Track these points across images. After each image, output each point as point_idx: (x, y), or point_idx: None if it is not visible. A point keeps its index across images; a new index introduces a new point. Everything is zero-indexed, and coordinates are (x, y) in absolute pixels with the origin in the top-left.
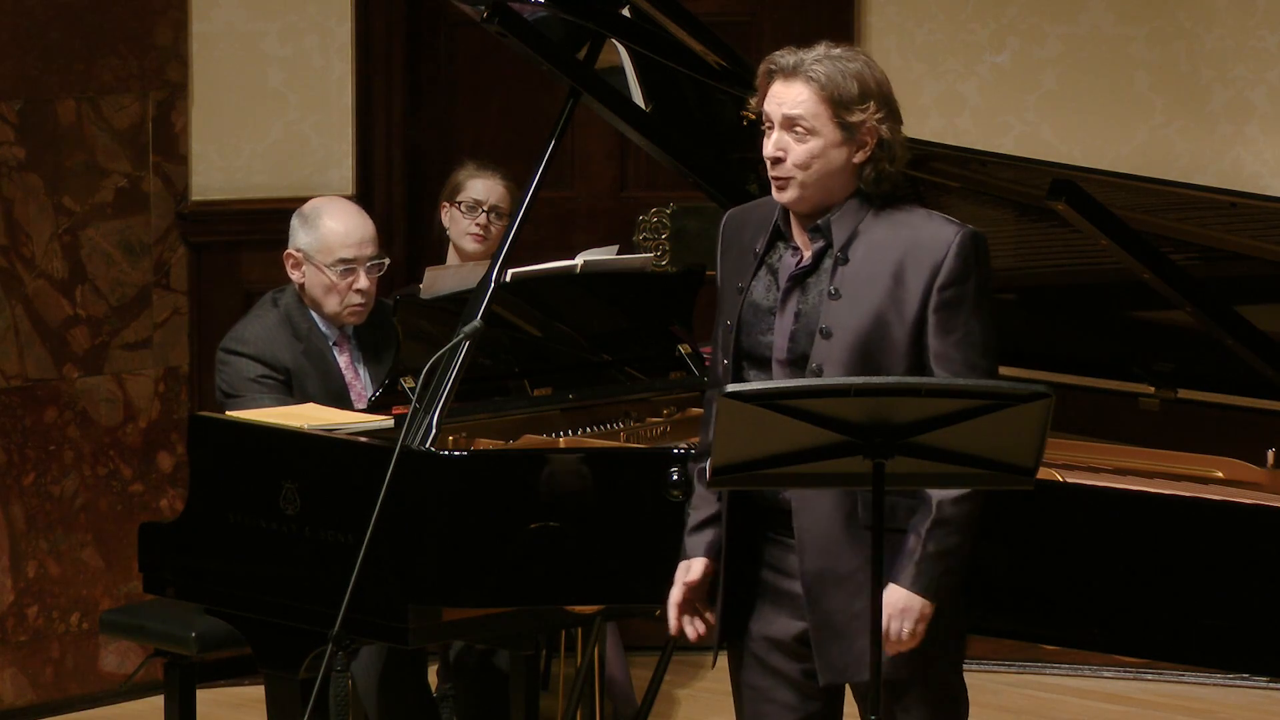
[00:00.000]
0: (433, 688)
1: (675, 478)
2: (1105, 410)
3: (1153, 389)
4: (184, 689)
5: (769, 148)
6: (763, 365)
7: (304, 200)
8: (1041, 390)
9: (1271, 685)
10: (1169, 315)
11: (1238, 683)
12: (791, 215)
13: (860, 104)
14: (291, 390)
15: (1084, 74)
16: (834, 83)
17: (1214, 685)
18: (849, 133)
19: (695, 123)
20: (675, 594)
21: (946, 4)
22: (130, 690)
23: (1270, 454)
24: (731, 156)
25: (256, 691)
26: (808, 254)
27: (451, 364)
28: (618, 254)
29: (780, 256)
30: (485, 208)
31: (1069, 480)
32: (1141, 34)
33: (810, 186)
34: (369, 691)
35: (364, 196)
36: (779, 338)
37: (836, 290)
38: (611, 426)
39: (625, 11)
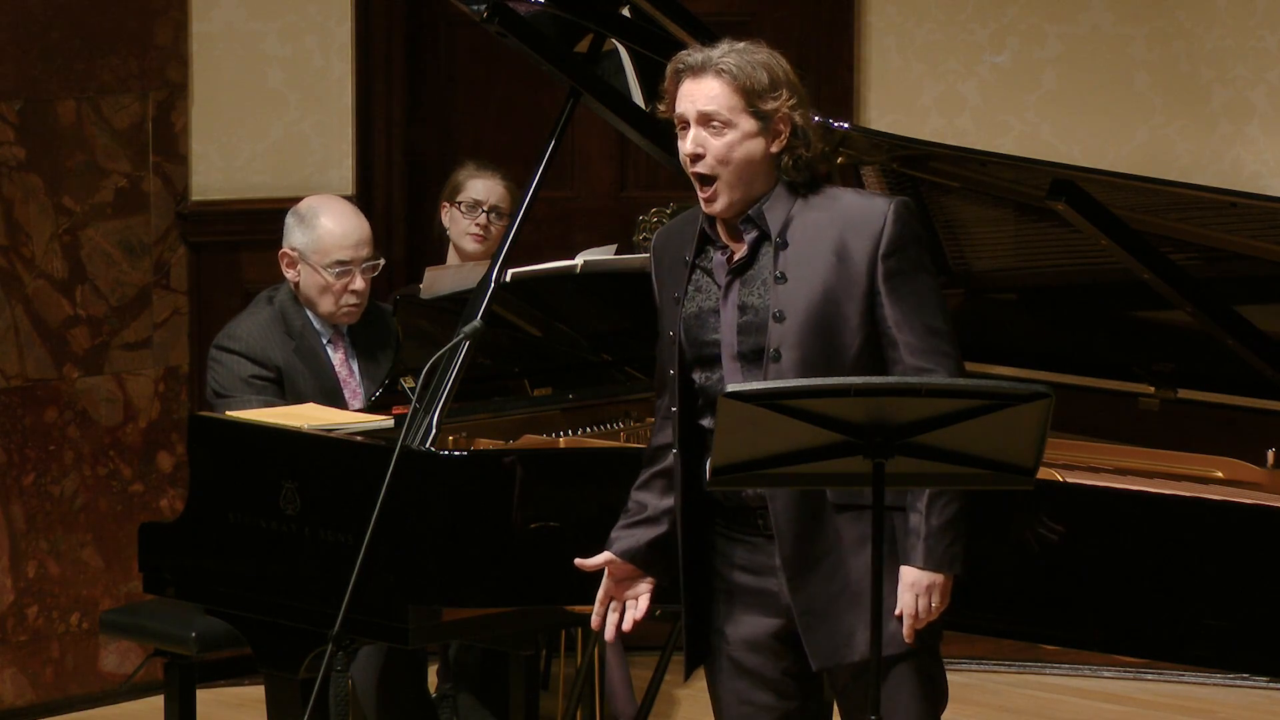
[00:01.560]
0: (433, 688)
1: None
2: (1105, 410)
3: (1153, 389)
4: (184, 689)
5: (687, 145)
6: (711, 365)
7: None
8: (1041, 390)
9: (1271, 685)
10: (1169, 315)
11: (1238, 683)
12: (717, 220)
13: (773, 92)
14: (283, 388)
15: (1084, 74)
16: (745, 73)
17: (1214, 685)
18: (764, 122)
19: None
20: (601, 590)
21: (946, 4)
22: (130, 690)
23: (1270, 454)
24: None
25: (256, 691)
26: (743, 248)
27: (451, 364)
28: (618, 254)
29: (711, 258)
30: (485, 208)
31: (1069, 480)
32: (1141, 34)
33: (735, 186)
34: (368, 691)
35: (364, 196)
36: (726, 333)
37: (782, 274)
38: (611, 426)
39: (625, 11)
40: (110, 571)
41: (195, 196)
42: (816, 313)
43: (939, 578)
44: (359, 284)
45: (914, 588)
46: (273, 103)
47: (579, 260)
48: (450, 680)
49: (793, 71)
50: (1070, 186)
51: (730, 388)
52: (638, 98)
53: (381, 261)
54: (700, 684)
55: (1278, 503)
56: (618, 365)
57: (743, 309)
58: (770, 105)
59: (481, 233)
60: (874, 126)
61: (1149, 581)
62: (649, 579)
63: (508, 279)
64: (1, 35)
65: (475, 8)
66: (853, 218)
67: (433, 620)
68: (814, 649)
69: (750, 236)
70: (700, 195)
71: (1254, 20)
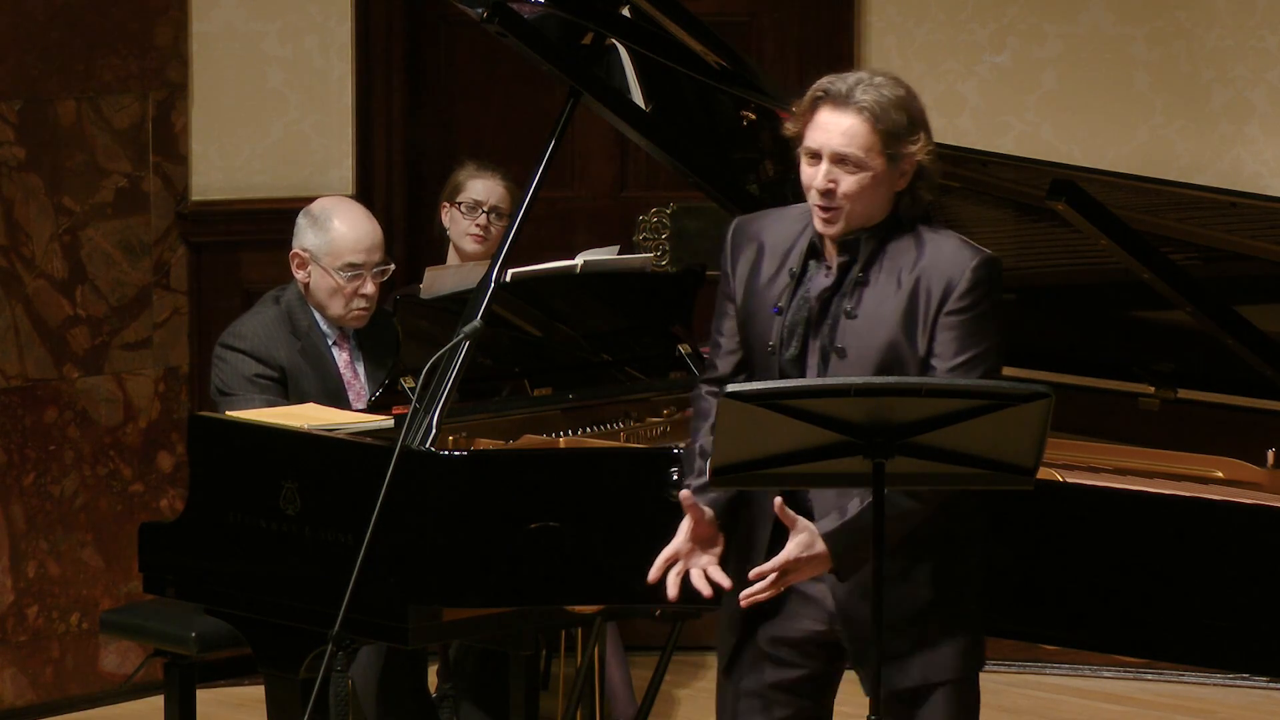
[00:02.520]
0: (433, 688)
1: (675, 478)
2: (1105, 410)
3: (1153, 389)
4: (184, 689)
5: (819, 180)
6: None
7: (304, 200)
8: (1041, 390)
9: (1271, 685)
10: (1169, 315)
11: (1238, 683)
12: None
13: (910, 136)
14: (287, 389)
15: (1084, 74)
16: (886, 115)
17: (1214, 685)
18: (895, 164)
19: (695, 123)
20: (670, 547)
21: (946, 4)
22: (130, 690)
23: (1270, 454)
24: (732, 156)
25: (256, 691)
26: (833, 273)
27: (451, 364)
28: (618, 254)
29: (813, 276)
30: (485, 208)
31: (1069, 480)
32: (1141, 34)
33: (855, 217)
34: (368, 691)
35: (364, 196)
36: (811, 355)
37: (853, 310)
38: (611, 426)
39: (625, 11)
40: (110, 571)
41: (195, 196)
42: (878, 355)
43: (826, 563)
44: (369, 288)
45: (808, 551)
46: (273, 103)
47: (579, 260)
48: (450, 680)
49: (925, 109)
50: (1070, 186)
51: (730, 388)
52: (638, 98)
53: (392, 266)
54: (700, 684)
55: (1278, 503)
56: (618, 365)
57: (822, 335)
58: (906, 149)
59: (481, 233)
60: None
61: (1149, 581)
62: (715, 549)
63: (508, 279)
64: (1, 35)
65: (475, 9)
66: (935, 264)
67: (433, 620)
68: (865, 673)
69: (841, 260)
70: (820, 215)
71: (1254, 20)
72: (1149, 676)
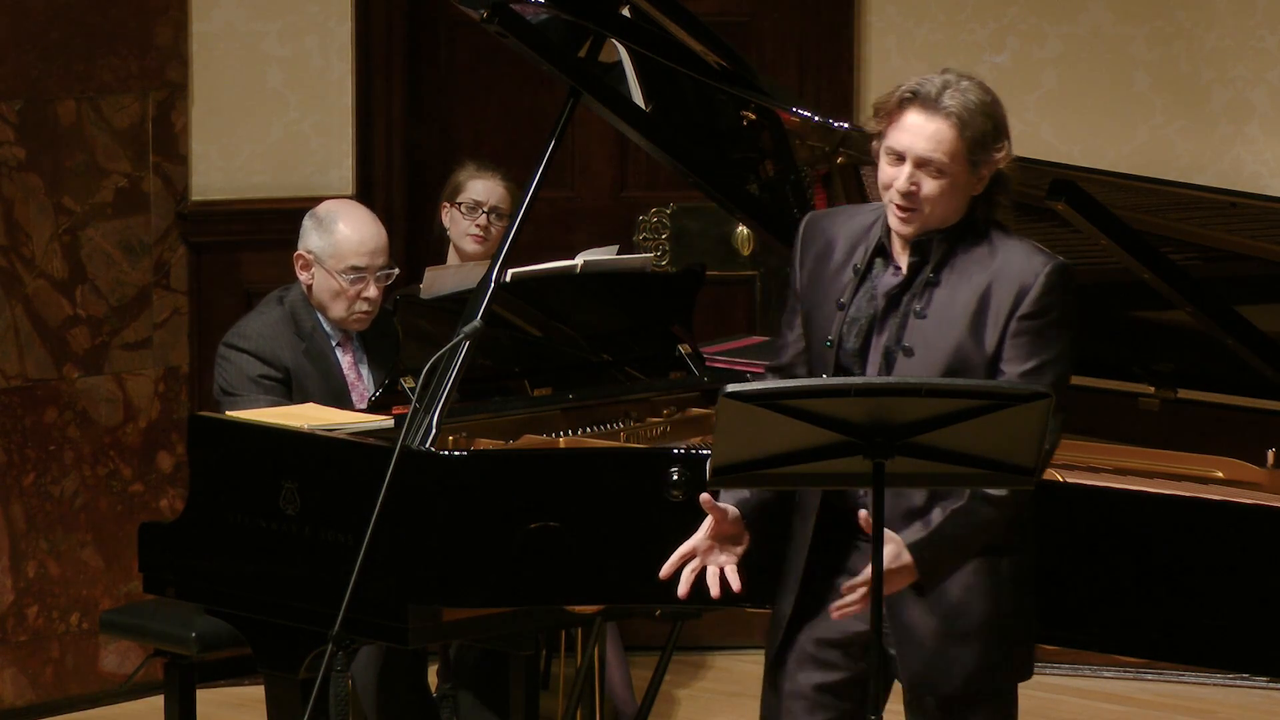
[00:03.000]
0: (433, 688)
1: (675, 478)
2: (1105, 410)
3: (1153, 389)
4: (184, 689)
5: (902, 181)
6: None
7: (304, 200)
8: (1041, 390)
9: (1271, 685)
10: (1169, 315)
11: (1238, 683)
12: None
13: (995, 144)
14: (291, 389)
15: (1084, 74)
16: (974, 123)
17: (1214, 685)
18: (975, 170)
19: (695, 123)
20: (688, 543)
21: (946, 4)
22: (130, 690)
23: (1270, 454)
24: (732, 156)
25: (256, 691)
26: (903, 272)
27: (451, 364)
28: (618, 254)
29: (879, 274)
30: (485, 209)
31: (1069, 480)
32: (1141, 34)
33: (932, 220)
34: (368, 691)
35: (364, 196)
36: (873, 353)
37: (922, 310)
38: (611, 426)
39: (625, 11)
40: (110, 571)
41: (195, 196)
42: (945, 356)
43: (913, 574)
44: (372, 291)
45: (895, 562)
46: (273, 103)
47: (579, 260)
48: (450, 680)
49: (1005, 113)
50: (1070, 186)
51: (730, 388)
52: (638, 98)
53: (396, 270)
54: (700, 684)
55: (1278, 503)
56: (618, 365)
57: (889, 334)
58: (988, 157)
59: (481, 234)
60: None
61: (1149, 581)
62: (737, 548)
63: (508, 279)
64: (1, 35)
65: (476, 9)
66: (1008, 268)
67: (433, 620)
68: (909, 676)
69: (912, 261)
70: (897, 214)
71: (1254, 20)
72: (1149, 676)
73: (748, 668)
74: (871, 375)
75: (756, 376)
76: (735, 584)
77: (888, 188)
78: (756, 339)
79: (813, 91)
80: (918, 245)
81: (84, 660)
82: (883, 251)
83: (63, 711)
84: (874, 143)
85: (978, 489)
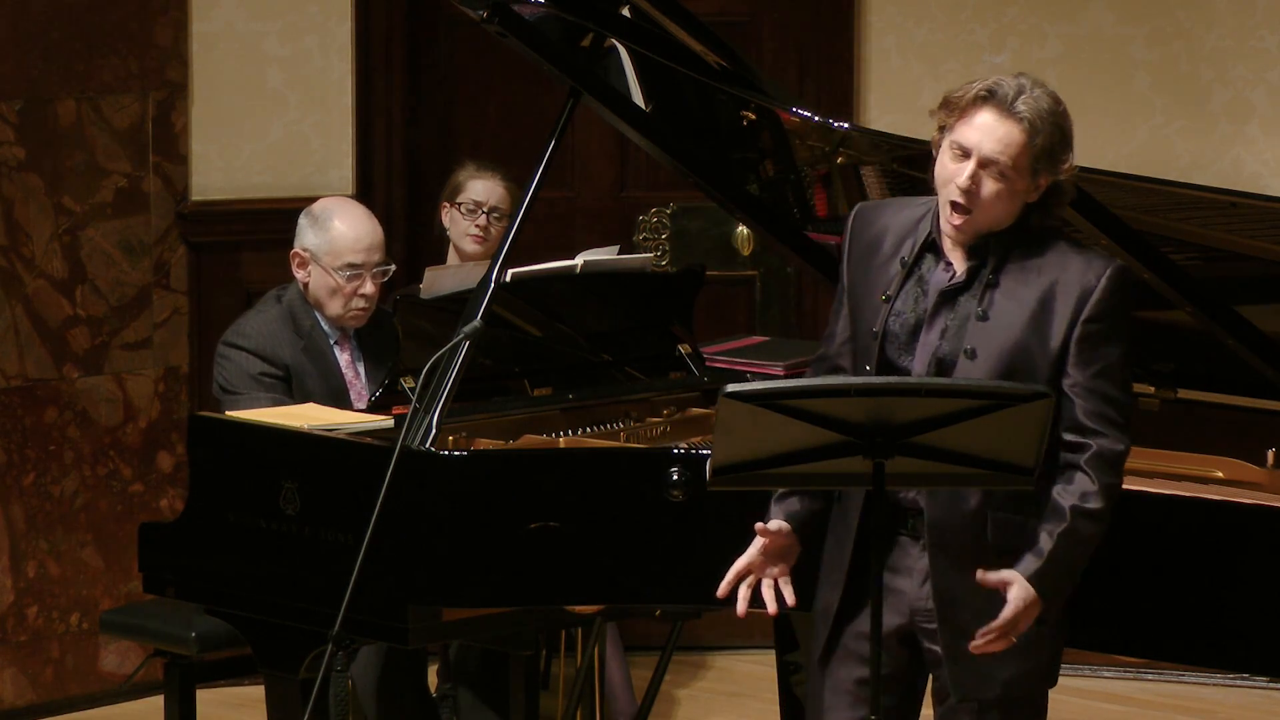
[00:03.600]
0: (433, 688)
1: (675, 478)
2: None
3: (1153, 389)
4: (184, 689)
5: (963, 178)
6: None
7: (304, 200)
8: (1041, 390)
9: (1271, 685)
10: (1169, 315)
11: (1238, 683)
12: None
13: (1061, 155)
14: (291, 387)
15: (1084, 74)
16: (1046, 133)
17: (1214, 685)
18: (1035, 179)
19: (695, 123)
20: (742, 559)
21: (946, 4)
22: (130, 690)
23: (1270, 454)
24: (731, 156)
25: (256, 691)
26: (961, 270)
27: (451, 364)
28: (618, 254)
29: (930, 269)
30: (485, 209)
31: None
32: (1141, 34)
33: (984, 223)
34: (368, 691)
35: (364, 196)
36: (922, 350)
37: (984, 312)
38: (611, 426)
39: (625, 11)
40: (110, 571)
41: (195, 196)
42: (1008, 356)
43: (1039, 605)
44: (369, 288)
45: (1024, 602)
46: (273, 103)
47: (579, 260)
48: (450, 680)
49: (1072, 125)
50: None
51: (730, 387)
52: (638, 98)
53: (392, 267)
54: (700, 684)
55: (1278, 503)
56: (618, 365)
57: (942, 334)
58: (1052, 166)
59: (481, 234)
60: (874, 126)
61: (1148, 581)
62: (789, 560)
63: (508, 279)
64: (1, 35)
65: (475, 10)
66: (1068, 272)
67: (433, 620)
68: (955, 680)
69: (970, 264)
70: (950, 215)
71: (1254, 20)
72: (1149, 676)
73: (748, 668)
74: (919, 371)
75: (756, 376)
76: (790, 599)
77: (946, 183)
78: (756, 339)
79: (813, 91)
80: (975, 248)
81: (84, 660)
82: (933, 246)
83: (63, 711)
84: (936, 134)
85: (1076, 505)
